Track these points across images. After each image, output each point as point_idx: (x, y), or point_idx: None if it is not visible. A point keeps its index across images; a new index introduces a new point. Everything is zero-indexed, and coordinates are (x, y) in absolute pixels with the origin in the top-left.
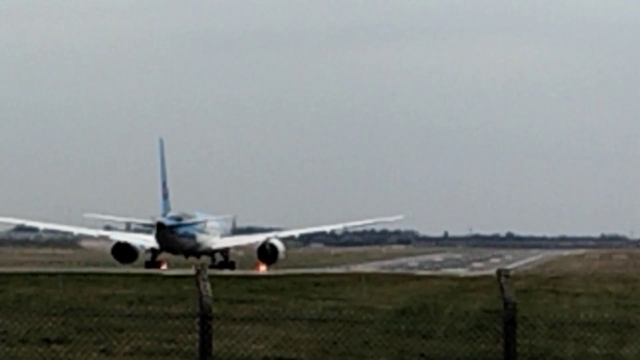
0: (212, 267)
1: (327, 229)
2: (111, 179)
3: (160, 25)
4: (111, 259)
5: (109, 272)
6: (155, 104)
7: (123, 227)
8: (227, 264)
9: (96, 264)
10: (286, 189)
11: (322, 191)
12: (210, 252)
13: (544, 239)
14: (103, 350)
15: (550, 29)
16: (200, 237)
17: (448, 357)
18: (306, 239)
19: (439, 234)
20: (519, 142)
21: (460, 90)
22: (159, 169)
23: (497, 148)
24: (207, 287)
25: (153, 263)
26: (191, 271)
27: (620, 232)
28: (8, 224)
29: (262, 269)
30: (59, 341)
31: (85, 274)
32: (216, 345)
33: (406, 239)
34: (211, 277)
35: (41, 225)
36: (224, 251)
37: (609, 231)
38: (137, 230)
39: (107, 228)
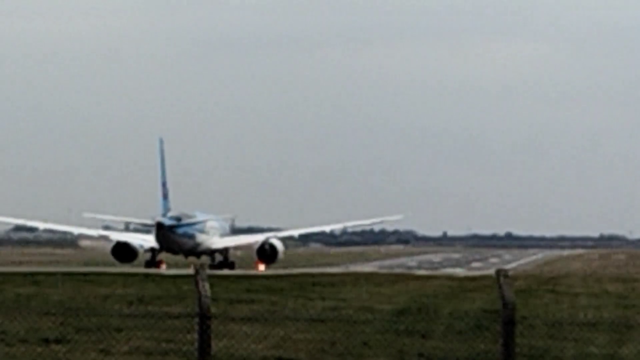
0: (211, 267)
1: (327, 228)
2: (110, 178)
3: (160, 25)
4: (110, 258)
5: (108, 271)
6: (155, 103)
7: (122, 227)
8: (227, 263)
9: (95, 264)
10: (285, 189)
11: (321, 191)
12: (210, 252)
13: (543, 238)
14: (102, 350)
15: (549, 29)
16: (200, 237)
17: (447, 357)
18: (305, 238)
19: (437, 233)
20: (517, 142)
21: (459, 90)
22: (158, 169)
23: (496, 148)
24: (206, 287)
25: (153, 263)
26: (190, 271)
27: (619, 232)
28: (7, 223)
29: (261, 268)
30: (57, 341)
31: (84, 274)
32: (215, 345)
33: (405, 238)
34: (210, 277)
35: (41, 225)
36: (224, 251)
37: (608, 231)
38: (136, 230)
39: (106, 228)
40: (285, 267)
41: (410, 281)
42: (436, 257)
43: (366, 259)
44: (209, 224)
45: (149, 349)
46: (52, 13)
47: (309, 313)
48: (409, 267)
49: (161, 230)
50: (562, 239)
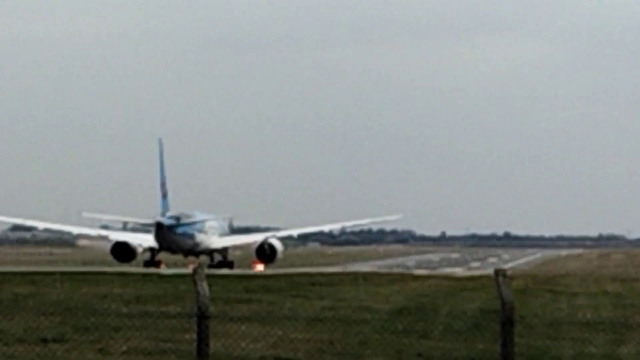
0: (210, 266)
1: (326, 228)
2: (109, 178)
3: (159, 25)
4: (108, 258)
5: (106, 271)
6: (154, 104)
7: (119, 226)
8: (226, 263)
9: (93, 263)
10: (284, 189)
11: (319, 191)
12: (209, 252)
13: (541, 238)
14: (100, 350)
15: (548, 28)
16: (199, 237)
17: (445, 356)
18: (303, 238)
19: (436, 233)
20: (516, 141)
21: (458, 90)
22: (158, 169)
23: (494, 148)
24: (204, 287)
25: (152, 262)
26: (189, 270)
27: (618, 232)
28: (5, 223)
29: (259, 268)
30: (56, 340)
31: (82, 273)
32: (213, 345)
33: (403, 238)
34: (208, 276)
35: (40, 225)
36: (223, 251)
37: (607, 231)
38: (134, 230)
39: (104, 227)
40: (283, 267)
41: (408, 281)
42: (435, 257)
43: (365, 258)
44: (208, 223)
45: (147, 349)
46: (52, 13)
47: (307, 313)
48: (408, 267)
49: (160, 230)
50: (560, 238)
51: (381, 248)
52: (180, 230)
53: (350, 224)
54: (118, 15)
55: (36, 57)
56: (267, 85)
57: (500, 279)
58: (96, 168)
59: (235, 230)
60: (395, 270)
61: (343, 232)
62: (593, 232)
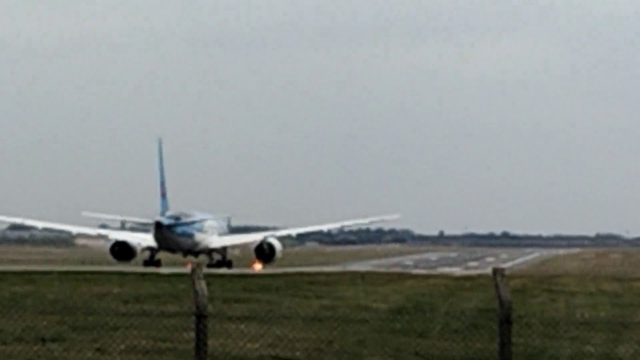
0: (209, 265)
1: (325, 228)
2: (109, 178)
3: (158, 25)
4: (107, 257)
5: (104, 270)
6: (153, 103)
7: (117, 225)
8: (225, 262)
9: (92, 263)
10: (282, 188)
11: (317, 190)
12: (208, 251)
13: (539, 237)
14: (98, 349)
15: (547, 28)
16: (198, 236)
17: (443, 356)
18: (301, 237)
19: (434, 232)
20: (514, 141)
21: (456, 89)
22: (157, 168)
23: (492, 147)
24: (202, 286)
25: (151, 262)
26: (187, 270)
27: (616, 231)
28: (3, 222)
29: (257, 267)
30: (54, 340)
31: (80, 273)
32: (211, 344)
33: (402, 237)
34: (207, 275)
35: (39, 224)
36: (222, 250)
37: (605, 230)
38: (132, 229)
39: (103, 226)
40: (282, 266)
41: (406, 280)
42: (433, 256)
43: (363, 258)
44: (207, 223)
45: (145, 348)
46: (50, 13)
47: (305, 312)
48: (406, 266)
49: (160, 230)
50: (558, 238)
51: (379, 247)
52: (179, 229)
53: (349, 223)
54: (117, 15)
55: (35, 57)
56: (266, 85)
57: (498, 278)
58: (95, 167)
59: (233, 230)
60: (394, 269)
61: (341, 231)
62: (591, 232)
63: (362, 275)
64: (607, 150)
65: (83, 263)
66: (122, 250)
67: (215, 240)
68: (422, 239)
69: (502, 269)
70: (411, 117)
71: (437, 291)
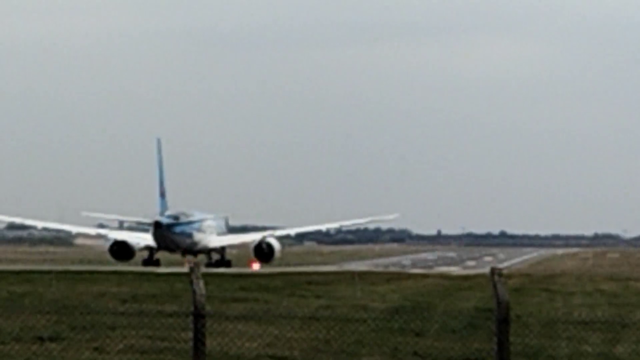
0: (209, 265)
1: (323, 227)
2: (108, 177)
3: (157, 24)
4: (105, 257)
5: (102, 270)
6: (152, 103)
7: (116, 225)
8: (224, 262)
9: (91, 262)
10: (281, 188)
11: (316, 190)
12: (207, 251)
13: (537, 237)
14: (96, 348)
15: (545, 28)
16: (197, 236)
17: (441, 355)
18: (299, 237)
19: (432, 232)
20: (512, 141)
21: (454, 89)
22: (156, 168)
23: (490, 147)
24: (200, 286)
25: (150, 261)
26: (185, 269)
27: (614, 231)
28: (2, 222)
29: (255, 267)
30: (52, 339)
31: (78, 272)
32: (209, 344)
33: (399, 237)
34: (205, 275)
35: (39, 224)
36: (221, 250)
37: (602, 230)
38: (130, 229)
39: (101, 226)
40: (280, 266)
41: (404, 280)
42: (430, 256)
43: (361, 257)
44: (206, 222)
45: (144, 347)
46: (49, 12)
47: (303, 311)
48: (404, 266)
49: (159, 229)
50: (556, 237)
51: (377, 247)
52: (178, 229)
53: (347, 223)
54: (116, 15)
55: (35, 57)
56: (265, 85)
57: (496, 277)
58: (94, 167)
59: (231, 229)
60: (391, 269)
61: (339, 231)
62: (589, 231)
63: (360, 275)
64: (605, 150)
65: (81, 262)
66: (121, 250)
67: (214, 240)
68: (420, 238)
69: (500, 269)
70: (409, 117)
71: (435, 291)
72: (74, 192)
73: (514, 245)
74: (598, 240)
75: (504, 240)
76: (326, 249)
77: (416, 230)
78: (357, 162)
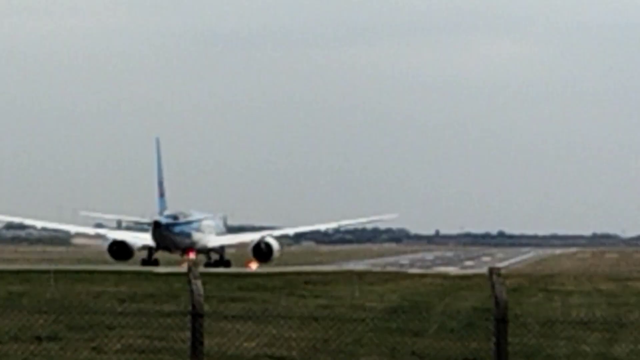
0: (207, 265)
1: (322, 227)
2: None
3: (156, 24)
4: (103, 256)
5: (100, 269)
6: (151, 103)
7: (114, 224)
8: (223, 262)
9: (89, 262)
10: (279, 188)
11: (315, 190)
12: (206, 251)
13: (535, 237)
14: (94, 348)
15: (545, 28)
16: (196, 236)
17: (439, 355)
18: (298, 237)
19: (430, 232)
20: (510, 140)
21: (452, 89)
22: (155, 168)
23: (488, 147)
24: (198, 285)
25: (149, 261)
26: (183, 269)
27: (612, 231)
28: (1, 221)
29: (253, 266)
30: (50, 339)
31: (76, 272)
32: (207, 343)
33: (398, 237)
34: (203, 274)
35: (38, 224)
36: (220, 249)
37: (601, 229)
38: (128, 228)
39: (98, 226)
40: (278, 266)
41: (402, 279)
42: (429, 256)
43: (359, 257)
44: (205, 222)
45: (141, 347)
46: (48, 12)
47: (301, 311)
48: (402, 266)
49: (158, 229)
50: (554, 237)
51: (375, 247)
52: (177, 229)
53: (346, 222)
54: (115, 14)
55: (34, 57)
56: (263, 85)
57: (494, 277)
58: (93, 167)
59: (229, 229)
60: (390, 268)
61: (337, 230)
62: (587, 231)
63: (359, 275)
64: (604, 150)
65: (80, 262)
66: (120, 250)
67: (213, 240)
68: (418, 238)
69: (498, 269)
70: (408, 117)
71: (433, 290)
72: (73, 191)
73: (512, 245)
74: (596, 240)
75: (503, 240)
76: (324, 248)
77: (414, 230)
78: (355, 162)
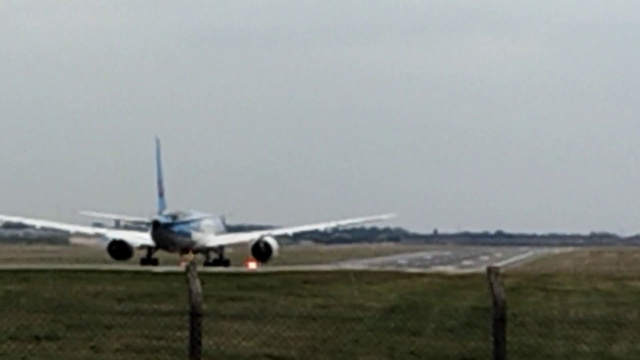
0: (207, 264)
1: (321, 227)
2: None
3: (155, 23)
4: (103, 256)
5: (98, 269)
6: (151, 102)
7: (112, 224)
8: (222, 261)
9: (88, 261)
10: (277, 188)
11: (313, 189)
12: (205, 250)
13: (533, 236)
14: (92, 347)
15: (545, 28)
16: (196, 235)
17: (438, 354)
18: (296, 236)
19: (428, 231)
20: (509, 140)
21: (451, 89)
22: (154, 167)
23: (487, 146)
24: (196, 284)
25: (149, 260)
26: (181, 268)
27: (610, 230)
28: (0, 221)
29: (251, 266)
30: (48, 338)
31: (75, 271)
32: (205, 343)
33: (396, 236)
34: (201, 274)
35: (37, 223)
36: (219, 249)
37: (599, 229)
38: (126, 228)
39: (97, 225)
40: (276, 265)
41: (400, 279)
42: (427, 255)
43: (357, 256)
44: (204, 222)
45: (140, 346)
46: (47, 11)
47: (299, 310)
48: (400, 265)
49: (157, 228)
50: (553, 236)
51: (374, 246)
52: (176, 228)
53: (345, 222)
54: (112, 14)
55: (34, 56)
56: (262, 84)
57: (493, 276)
58: (92, 166)
59: (227, 229)
60: (388, 268)
61: (336, 230)
62: (585, 230)
63: (357, 274)
64: (603, 150)
65: (78, 261)
66: (119, 249)
67: (212, 239)
68: (417, 237)
69: (497, 268)
70: (407, 116)
71: (431, 290)
72: (72, 191)
73: (511, 244)
74: (595, 239)
75: (501, 239)
76: (323, 248)
77: (412, 229)
78: (354, 162)
